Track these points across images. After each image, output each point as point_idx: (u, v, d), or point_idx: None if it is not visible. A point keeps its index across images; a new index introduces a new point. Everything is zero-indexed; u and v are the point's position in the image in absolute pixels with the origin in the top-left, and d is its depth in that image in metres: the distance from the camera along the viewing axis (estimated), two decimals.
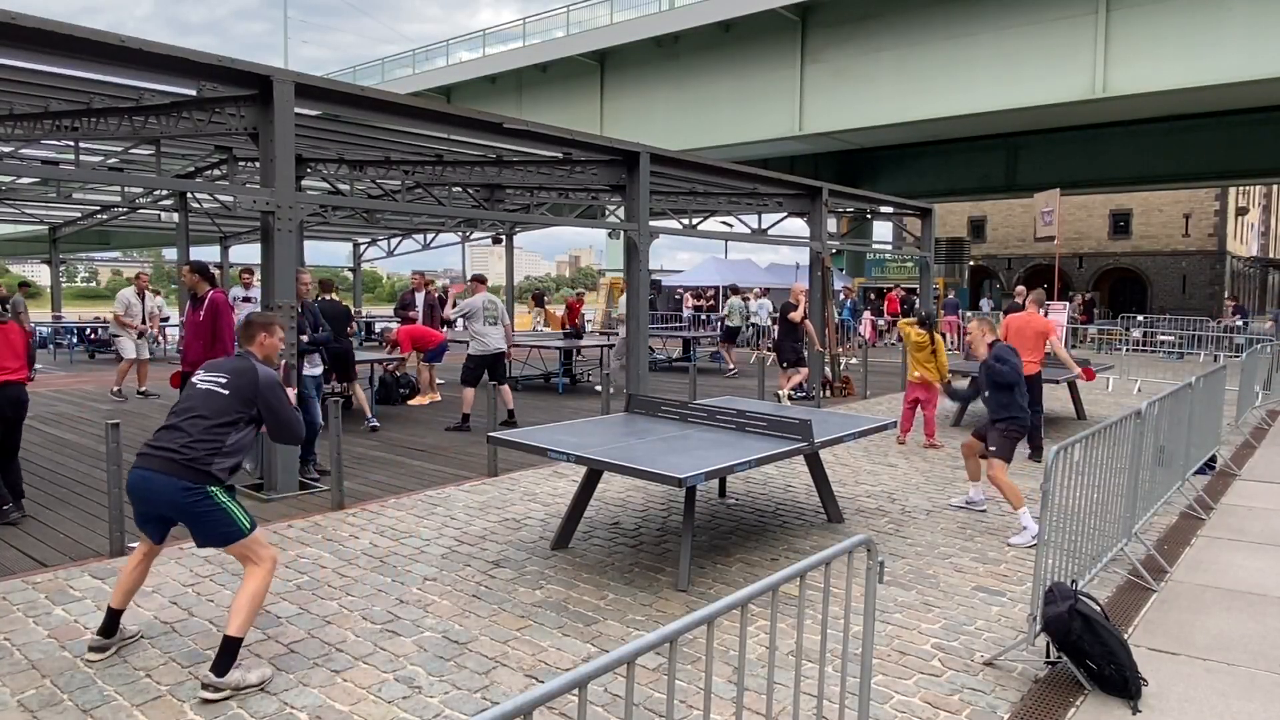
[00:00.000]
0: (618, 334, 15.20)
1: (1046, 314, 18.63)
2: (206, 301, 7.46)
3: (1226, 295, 38.59)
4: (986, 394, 6.34)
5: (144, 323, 12.65)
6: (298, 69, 13.16)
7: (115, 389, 12.25)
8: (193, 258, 13.93)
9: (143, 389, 12.58)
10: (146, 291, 12.96)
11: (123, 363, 12.58)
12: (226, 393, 3.80)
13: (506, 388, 10.14)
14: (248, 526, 3.74)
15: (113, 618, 3.93)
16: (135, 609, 4.42)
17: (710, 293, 29.18)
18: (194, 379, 3.90)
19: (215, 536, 3.73)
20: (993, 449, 6.20)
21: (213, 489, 3.66)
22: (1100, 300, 37.42)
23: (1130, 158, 27.68)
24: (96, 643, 3.88)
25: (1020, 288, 9.61)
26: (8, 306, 7.90)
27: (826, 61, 24.23)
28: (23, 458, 8.03)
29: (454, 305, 13.01)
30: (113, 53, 6.04)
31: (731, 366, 16.97)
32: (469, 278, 11.09)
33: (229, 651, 3.55)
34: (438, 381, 12.76)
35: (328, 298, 9.99)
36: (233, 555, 3.85)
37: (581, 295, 22.70)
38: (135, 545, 4.03)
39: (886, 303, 28.11)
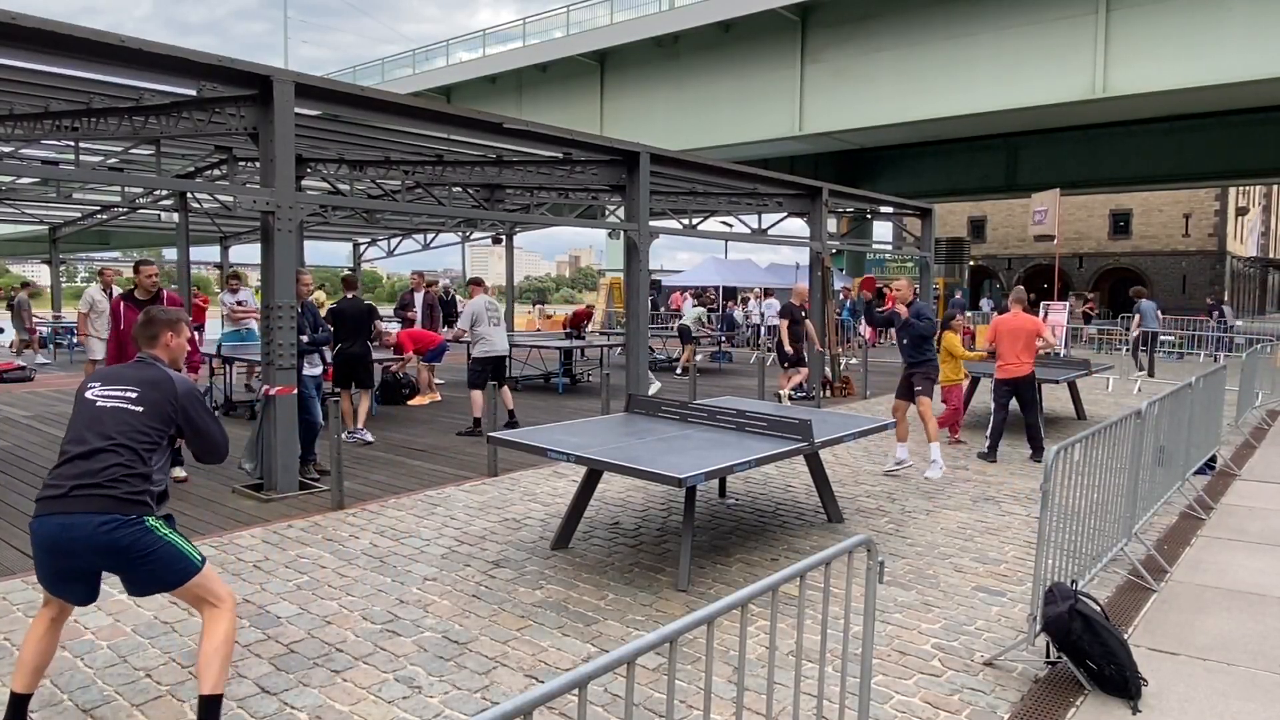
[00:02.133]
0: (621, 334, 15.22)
1: (1046, 315, 18.56)
2: (163, 303, 6.78)
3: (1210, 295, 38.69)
4: (905, 342, 7.98)
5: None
6: (297, 69, 13.17)
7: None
8: (193, 258, 13.91)
9: None
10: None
11: (86, 363, 12.10)
12: (140, 409, 3.16)
13: (507, 389, 9.99)
14: (199, 559, 3.16)
15: (17, 707, 3.14)
16: (135, 609, 4.42)
17: (710, 293, 29.18)
18: (90, 394, 3.21)
19: (165, 578, 3.10)
20: (919, 389, 7.82)
21: (150, 520, 3.07)
22: (1100, 300, 37.43)
23: (1130, 158, 27.69)
24: None
25: (1020, 288, 9.68)
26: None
27: (826, 61, 24.23)
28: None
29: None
30: (113, 53, 6.04)
31: (680, 365, 17.29)
32: (466, 280, 10.89)
33: (210, 712, 3.05)
34: (436, 381, 12.77)
35: (350, 295, 9.87)
36: (186, 600, 3.20)
37: (591, 309, 22.87)
38: (37, 610, 3.27)
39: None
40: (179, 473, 7.00)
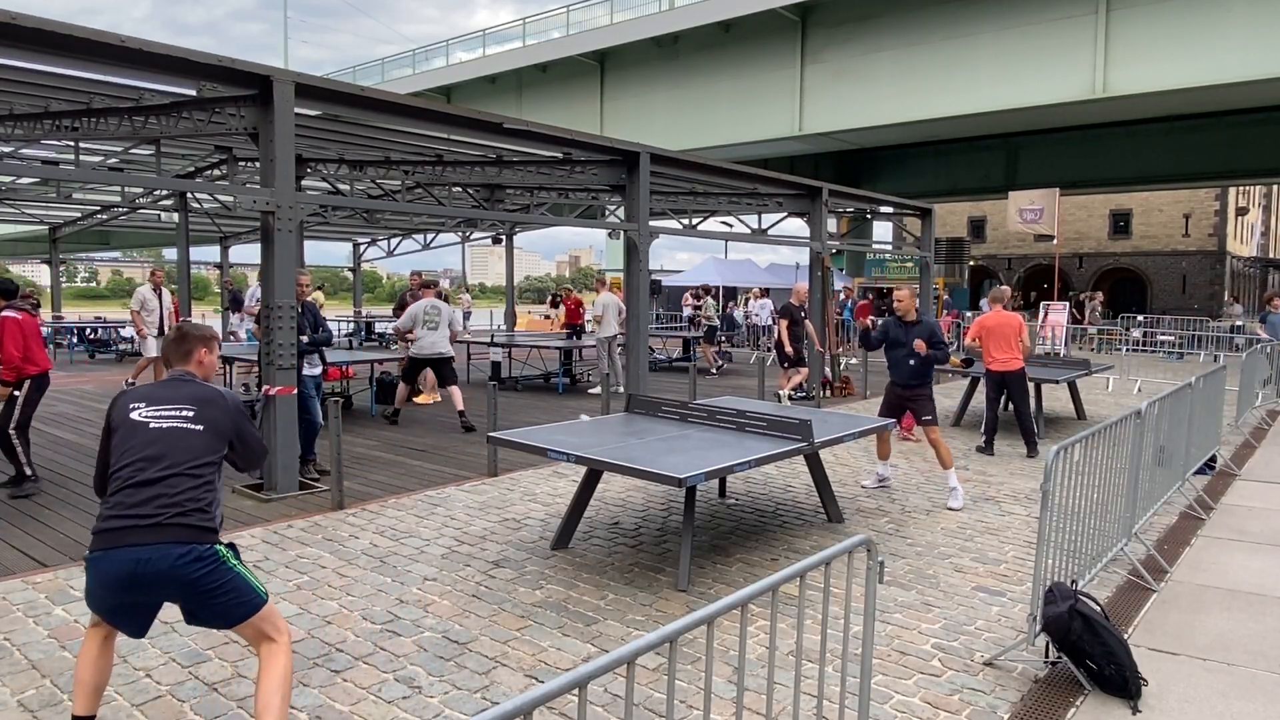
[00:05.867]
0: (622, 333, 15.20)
1: (1046, 314, 18.62)
2: None
3: (1228, 294, 38.66)
4: (913, 362, 7.11)
5: (162, 319, 12.68)
6: (297, 69, 13.18)
7: (130, 380, 12.36)
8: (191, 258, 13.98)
9: None
10: (163, 287, 13.05)
11: (141, 359, 12.96)
12: (200, 427, 3.04)
13: (454, 389, 10.29)
14: (265, 593, 3.05)
15: None
16: None
17: (711, 291, 29.18)
18: (137, 415, 3.03)
19: (234, 612, 2.96)
20: (928, 417, 7.06)
21: (220, 549, 2.96)
22: (1100, 300, 37.40)
23: (1130, 158, 27.69)
24: None
25: (1004, 288, 9.71)
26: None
27: (826, 61, 24.22)
28: None
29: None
30: (113, 53, 6.04)
31: (713, 367, 17.59)
32: (417, 281, 11.64)
33: None
34: None
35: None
36: (246, 637, 3.07)
37: (570, 290, 22.28)
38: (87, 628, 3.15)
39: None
40: None
